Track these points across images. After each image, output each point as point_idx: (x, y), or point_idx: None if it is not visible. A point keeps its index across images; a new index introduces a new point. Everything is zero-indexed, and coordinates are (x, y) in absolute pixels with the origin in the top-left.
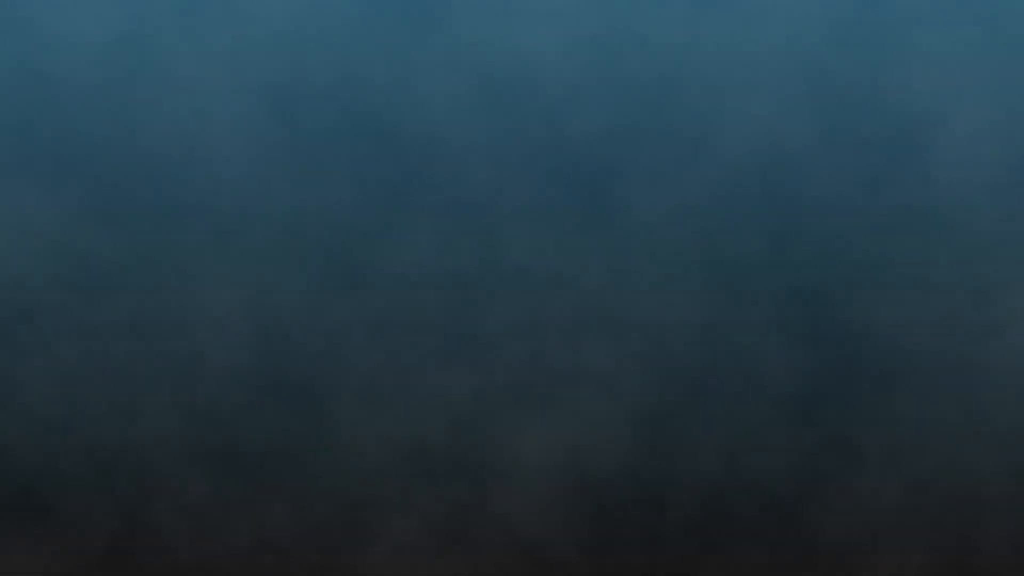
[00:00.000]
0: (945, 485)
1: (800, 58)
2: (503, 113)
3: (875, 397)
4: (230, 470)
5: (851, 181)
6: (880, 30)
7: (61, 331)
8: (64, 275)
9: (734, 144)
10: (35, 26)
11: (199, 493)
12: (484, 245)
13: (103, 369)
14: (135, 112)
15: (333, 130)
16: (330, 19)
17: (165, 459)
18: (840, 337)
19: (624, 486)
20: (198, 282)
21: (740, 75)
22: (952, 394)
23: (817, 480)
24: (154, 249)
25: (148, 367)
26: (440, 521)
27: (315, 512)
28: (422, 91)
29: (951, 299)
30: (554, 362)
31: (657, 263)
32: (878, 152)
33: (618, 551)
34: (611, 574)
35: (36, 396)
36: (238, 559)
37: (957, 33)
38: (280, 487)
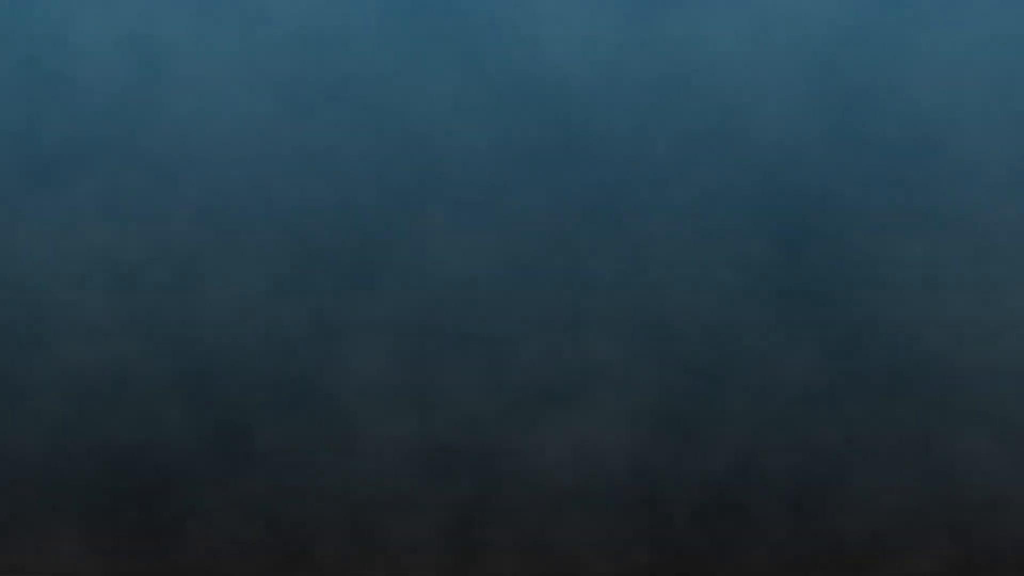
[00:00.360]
0: (958, 484)
1: (812, 58)
2: (515, 112)
3: (888, 395)
4: (244, 469)
5: (864, 181)
6: (893, 30)
7: (75, 331)
8: (80, 276)
9: (746, 145)
10: (46, 26)
11: (213, 492)
12: (498, 244)
13: (118, 368)
14: (146, 112)
15: (348, 129)
16: (344, 18)
17: (179, 458)
18: (855, 336)
19: (637, 484)
20: (211, 281)
21: (752, 75)
22: (965, 393)
23: (831, 479)
24: (168, 248)
25: (163, 366)
26: (453, 520)
27: (330, 512)
28: (435, 91)
29: (962, 298)
30: (569, 361)
31: (671, 262)
32: (891, 152)
33: (631, 549)
34: (625, 572)
35: (49, 396)
36: (254, 557)
37: (968, 33)
38: (295, 486)
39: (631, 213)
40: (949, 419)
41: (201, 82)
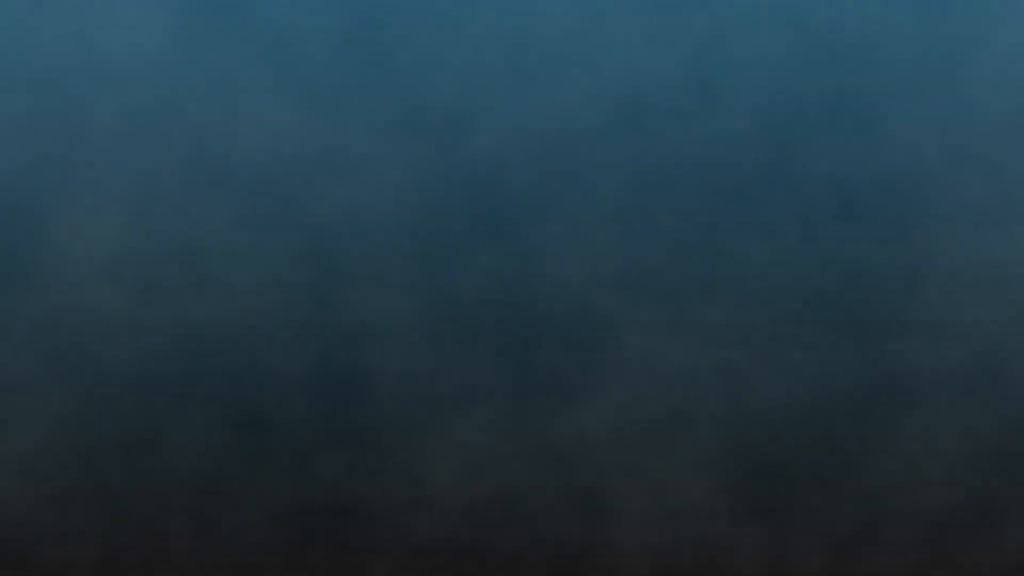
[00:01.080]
0: (1006, 487)
1: (838, 57)
2: (533, 112)
3: (930, 396)
4: (266, 468)
5: (897, 181)
6: (920, 31)
7: (95, 329)
8: (102, 273)
9: (756, 149)
10: (70, 25)
11: (234, 491)
12: (520, 243)
13: (150, 370)
14: (179, 111)
15: (370, 130)
16: (368, 16)
17: (199, 458)
18: (891, 337)
19: (659, 484)
20: (235, 280)
21: (780, 75)
22: (1005, 394)
23: (865, 479)
24: (191, 246)
25: (184, 365)
26: (473, 519)
27: (350, 511)
28: (453, 90)
29: (985, 298)
30: (592, 361)
31: (697, 262)
32: (921, 151)
33: (651, 550)
34: (642, 573)
35: (74, 398)
36: (273, 554)
37: (994, 36)
38: (316, 485)
39: (655, 213)
40: (987, 421)
41: (224, 81)
